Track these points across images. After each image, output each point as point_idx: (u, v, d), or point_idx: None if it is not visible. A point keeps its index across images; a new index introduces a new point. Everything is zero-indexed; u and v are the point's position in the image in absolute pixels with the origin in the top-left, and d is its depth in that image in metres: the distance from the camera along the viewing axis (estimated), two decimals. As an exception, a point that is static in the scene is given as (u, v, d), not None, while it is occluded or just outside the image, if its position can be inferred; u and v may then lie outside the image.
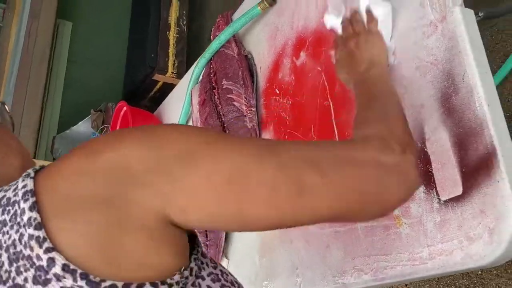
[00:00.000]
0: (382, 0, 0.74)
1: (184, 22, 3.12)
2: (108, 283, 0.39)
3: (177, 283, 0.42)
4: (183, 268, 0.43)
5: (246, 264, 1.11)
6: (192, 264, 0.45)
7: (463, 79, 0.64)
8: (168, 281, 0.41)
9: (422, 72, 0.70)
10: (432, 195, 0.67)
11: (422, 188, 0.68)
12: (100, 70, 3.50)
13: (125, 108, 1.60)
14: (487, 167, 0.60)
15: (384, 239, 0.74)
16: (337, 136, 0.86)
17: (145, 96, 3.19)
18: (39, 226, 0.38)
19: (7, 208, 0.41)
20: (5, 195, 0.42)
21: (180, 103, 1.45)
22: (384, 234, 0.74)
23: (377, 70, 0.69)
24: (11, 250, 0.40)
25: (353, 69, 0.71)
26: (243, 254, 1.13)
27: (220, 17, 1.25)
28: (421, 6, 0.71)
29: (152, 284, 0.40)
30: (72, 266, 0.38)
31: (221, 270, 0.52)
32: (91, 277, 0.38)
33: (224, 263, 1.16)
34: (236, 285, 0.52)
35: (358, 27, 0.75)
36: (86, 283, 0.38)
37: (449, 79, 0.66)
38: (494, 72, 1.38)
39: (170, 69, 2.98)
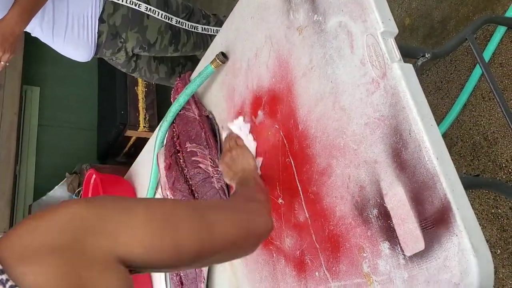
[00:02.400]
0: (243, 127, 1.03)
1: (151, 76, 3.14)
2: None
3: None
4: None
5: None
6: None
7: (410, 134, 0.65)
8: None
9: (372, 129, 0.71)
10: (397, 250, 0.67)
11: (386, 244, 0.68)
12: (73, 132, 3.48)
13: (94, 176, 1.59)
14: (444, 221, 0.60)
15: (357, 298, 0.73)
16: (301, 193, 0.86)
17: (120, 152, 3.17)
18: (1, 272, 0.44)
19: None
20: None
21: (149, 165, 1.44)
22: (357, 293, 0.73)
23: (247, 173, 0.95)
24: None
25: (233, 175, 0.98)
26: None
27: (178, 79, 1.26)
28: (362, 63, 0.72)
29: None
30: None
31: None
32: None
33: None
34: None
35: (231, 143, 1.03)
36: None
37: (397, 134, 0.67)
38: (452, 102, 1.41)
39: (141, 124, 2.98)
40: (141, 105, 3.03)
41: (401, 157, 0.66)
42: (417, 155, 0.64)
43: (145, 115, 3.02)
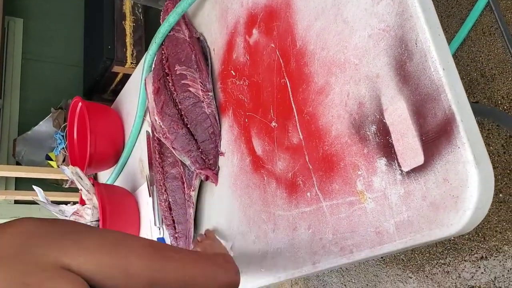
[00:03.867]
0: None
1: (140, 10, 3.02)
2: None
3: None
4: None
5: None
6: None
7: (416, 44, 0.61)
8: None
9: (375, 41, 0.67)
10: (394, 167, 0.65)
11: (383, 161, 0.66)
12: (58, 66, 3.38)
13: (80, 104, 1.54)
14: (447, 134, 0.58)
15: (349, 216, 0.71)
16: (296, 114, 0.83)
17: (107, 89, 3.10)
18: None
19: None
20: None
21: (136, 94, 1.40)
22: (350, 211, 0.71)
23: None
24: None
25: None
26: (213, 244, 1.10)
27: (169, 0, 1.20)
28: (369, -30, 0.67)
29: None
30: None
31: None
32: None
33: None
34: None
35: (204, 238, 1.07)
36: None
37: (402, 45, 0.63)
38: (451, 38, 1.37)
39: (129, 60, 2.89)
40: (128, 40, 2.93)
41: (405, 69, 0.63)
42: (422, 66, 0.61)
43: (132, 51, 2.93)
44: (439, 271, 1.42)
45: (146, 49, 3.00)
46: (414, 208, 0.62)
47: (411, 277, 1.51)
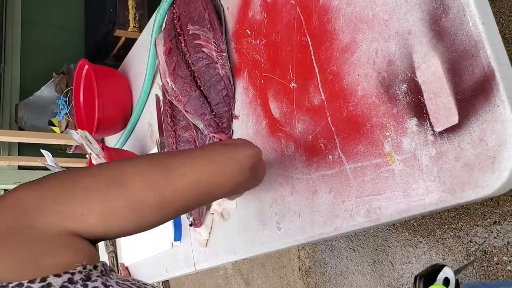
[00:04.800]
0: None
1: (142, -28, 2.94)
2: (14, 283, 0.43)
3: (80, 272, 0.46)
4: (85, 263, 0.48)
5: (233, 218, 1.07)
6: (99, 264, 0.50)
7: (454, -4, 0.58)
8: (71, 270, 0.46)
9: (408, -6, 0.64)
10: (425, 127, 0.62)
11: (414, 121, 0.64)
12: (59, 30, 3.31)
13: (86, 66, 1.50)
14: (484, 92, 0.55)
15: (375, 179, 0.70)
16: (318, 74, 0.80)
17: (109, 54, 3.05)
18: None
19: None
20: None
21: (145, 56, 1.36)
22: (376, 173, 0.70)
23: None
24: None
25: None
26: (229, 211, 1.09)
27: (179, -45, 1.14)
28: None
29: (55, 275, 0.45)
30: None
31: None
32: None
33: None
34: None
35: None
36: None
37: (438, -2, 0.60)
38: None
39: (131, 23, 2.83)
40: (131, 3, 2.86)
41: (440, 24, 0.60)
42: (460, 21, 0.58)
43: (135, 14, 2.87)
44: (451, 235, 1.42)
45: (149, 12, 2.94)
46: (446, 169, 0.60)
47: (421, 242, 1.51)
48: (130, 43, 2.80)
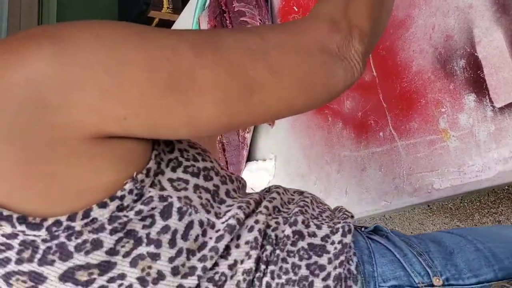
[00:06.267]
0: None
1: (177, -48, 2.94)
2: (50, 221, 0.35)
3: (131, 191, 0.38)
4: (135, 173, 0.38)
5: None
6: (151, 164, 0.40)
7: (521, -32, 0.57)
8: (119, 193, 0.37)
9: (470, -33, 0.63)
10: (484, 103, 0.62)
11: (472, 97, 0.63)
12: (93, 11, 3.35)
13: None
14: (551, 66, 0.55)
15: (429, 155, 0.69)
16: (371, 57, 0.79)
17: (142, 35, 3.07)
18: None
19: None
20: None
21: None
22: (429, 150, 0.69)
23: None
24: None
25: None
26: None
27: None
28: None
29: (100, 205, 0.36)
30: (5, 213, 0.34)
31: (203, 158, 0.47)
32: (30, 219, 0.35)
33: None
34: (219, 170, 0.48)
35: None
36: (27, 227, 0.35)
37: (504, -29, 0.59)
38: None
39: (165, 5, 2.84)
40: (165, -16, 2.87)
41: (505, -3, 0.59)
42: (527, -6, 0.57)
43: (169, -5, 2.87)
44: (490, 220, 1.40)
45: (183, -7, 2.93)
46: (506, 144, 0.59)
47: (458, 226, 1.50)
48: (163, 24, 2.82)
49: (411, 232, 1.65)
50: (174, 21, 1.56)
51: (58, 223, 0.35)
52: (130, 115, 0.35)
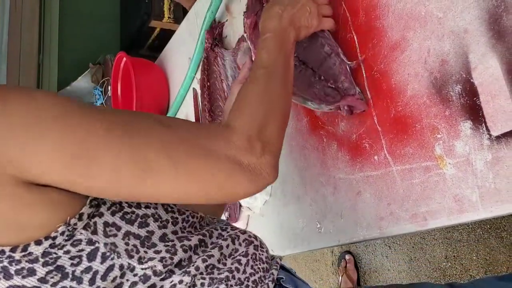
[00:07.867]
0: None
1: (177, -38, 2.94)
2: None
3: (63, 233, 0.45)
4: (68, 218, 0.45)
5: (270, 216, 1.06)
6: (84, 210, 0.46)
7: (517, -6, 0.55)
8: (52, 234, 0.44)
9: (465, -9, 0.61)
10: (481, 130, 0.60)
11: (468, 124, 0.61)
12: (95, 22, 3.36)
13: (125, 59, 1.51)
14: (549, 96, 0.52)
15: (424, 182, 0.67)
16: (363, 71, 0.78)
17: (143, 45, 3.07)
18: None
19: None
20: None
21: (183, 48, 1.36)
22: (425, 177, 0.67)
23: (303, 34, 0.73)
24: None
25: (273, 26, 0.69)
26: (265, 207, 1.08)
27: None
28: None
29: (36, 242, 0.43)
30: None
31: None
32: None
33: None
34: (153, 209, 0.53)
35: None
36: None
37: (499, -4, 0.57)
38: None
39: (166, 14, 2.84)
40: (166, -6, 2.87)
41: (500, 23, 0.57)
42: (523, 20, 0.55)
43: (170, 5, 2.87)
44: (492, 236, 1.37)
45: (184, 3, 2.93)
46: (503, 175, 0.57)
47: (460, 240, 1.47)
48: (164, 34, 2.82)
49: (413, 247, 1.63)
50: (174, 31, 1.55)
51: (2, 252, 0.43)
52: (44, 174, 0.42)
